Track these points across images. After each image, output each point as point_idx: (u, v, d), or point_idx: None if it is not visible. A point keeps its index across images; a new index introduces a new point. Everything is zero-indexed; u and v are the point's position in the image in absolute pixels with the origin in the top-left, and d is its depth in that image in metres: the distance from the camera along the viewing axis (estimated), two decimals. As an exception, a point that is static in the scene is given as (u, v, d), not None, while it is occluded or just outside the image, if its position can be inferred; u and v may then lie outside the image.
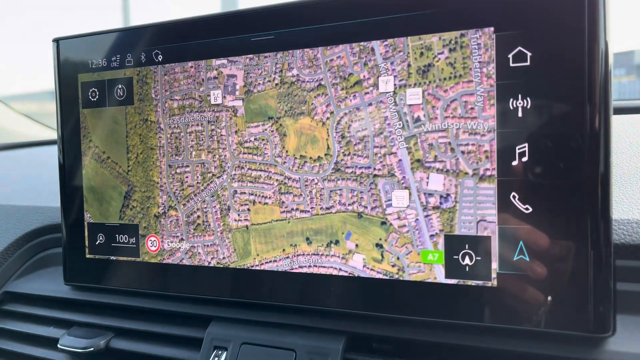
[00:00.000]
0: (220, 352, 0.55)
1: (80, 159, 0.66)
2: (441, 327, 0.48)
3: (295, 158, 0.54)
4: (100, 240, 0.65)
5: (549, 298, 0.44)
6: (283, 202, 0.54)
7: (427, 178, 0.48)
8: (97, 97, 0.64)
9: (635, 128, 0.63)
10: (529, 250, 0.44)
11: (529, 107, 0.44)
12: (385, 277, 0.50)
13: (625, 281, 0.46)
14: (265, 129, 0.55)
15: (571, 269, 0.43)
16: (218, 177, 0.57)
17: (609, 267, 0.42)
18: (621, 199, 0.50)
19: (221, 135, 0.57)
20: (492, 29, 0.45)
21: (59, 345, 0.62)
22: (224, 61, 0.57)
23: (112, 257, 0.64)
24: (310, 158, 0.53)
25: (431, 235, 0.48)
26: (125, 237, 0.63)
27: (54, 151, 0.99)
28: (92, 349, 0.61)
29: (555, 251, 0.44)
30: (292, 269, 0.54)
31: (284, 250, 0.54)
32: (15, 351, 0.67)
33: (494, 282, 0.46)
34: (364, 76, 0.50)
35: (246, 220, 0.56)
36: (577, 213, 0.43)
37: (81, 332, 0.64)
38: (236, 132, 0.56)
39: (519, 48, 0.44)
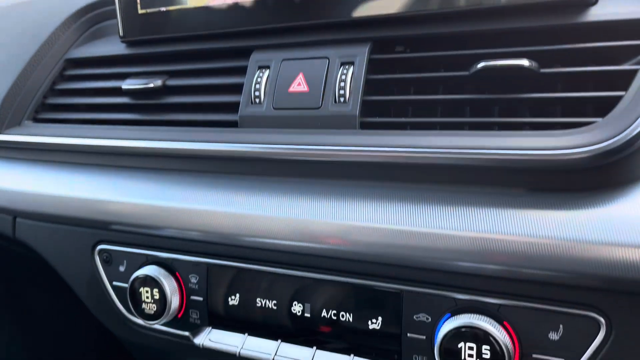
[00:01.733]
0: (264, 70, 0.65)
1: None
2: (453, 17, 0.57)
3: None
4: (151, -5, 0.73)
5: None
6: None
7: None
8: None
9: None
10: None
11: None
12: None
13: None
14: None
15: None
16: None
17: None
18: None
19: None
20: None
21: (123, 87, 0.73)
22: None
23: (163, 9, 0.73)
24: None
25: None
26: (173, -12, 0.71)
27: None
28: (151, 85, 0.71)
29: None
30: (324, -10, 0.62)
31: (316, -26, 0.63)
32: (84, 103, 0.78)
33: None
34: None
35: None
36: None
37: (140, 77, 0.74)
38: None
39: None
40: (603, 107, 0.50)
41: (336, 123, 0.59)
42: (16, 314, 1.10)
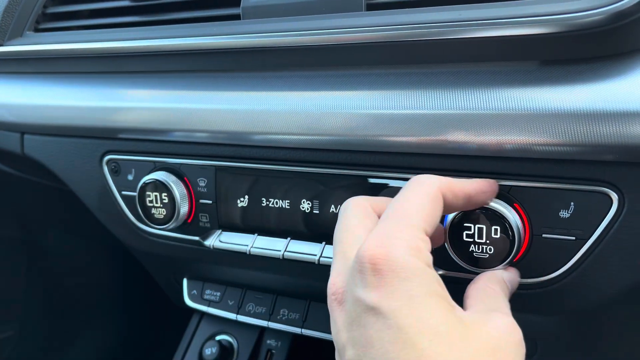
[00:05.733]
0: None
1: None
2: None
3: None
4: None
5: None
6: None
7: None
8: None
9: None
10: None
11: None
12: None
13: None
14: None
15: None
16: None
17: None
18: None
19: None
20: None
21: (123, -12, 0.71)
22: None
23: None
24: None
25: None
26: None
27: None
28: (152, -17, 0.70)
29: None
30: None
31: None
32: (85, 9, 0.76)
33: None
34: None
35: None
36: None
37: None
38: None
39: None
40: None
41: (342, 6, 0.57)
42: (32, 256, 1.10)
